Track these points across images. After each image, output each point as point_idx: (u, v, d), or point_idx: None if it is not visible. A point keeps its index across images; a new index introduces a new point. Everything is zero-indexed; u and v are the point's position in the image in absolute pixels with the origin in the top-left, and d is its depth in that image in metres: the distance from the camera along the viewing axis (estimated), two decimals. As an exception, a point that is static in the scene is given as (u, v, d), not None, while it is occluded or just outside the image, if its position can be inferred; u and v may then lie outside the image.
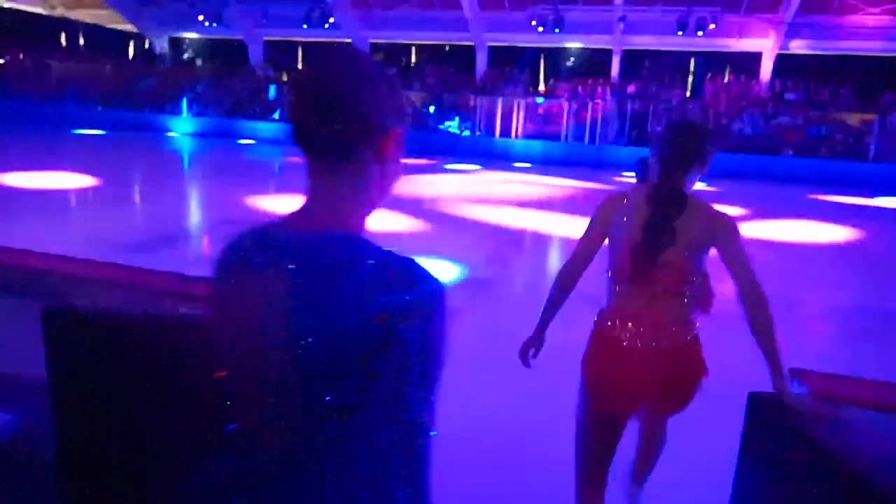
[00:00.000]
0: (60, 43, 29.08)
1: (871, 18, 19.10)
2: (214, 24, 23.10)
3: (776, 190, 15.33)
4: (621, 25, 20.44)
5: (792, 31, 19.71)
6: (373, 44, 26.34)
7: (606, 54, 23.15)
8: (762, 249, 8.15)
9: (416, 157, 18.59)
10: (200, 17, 22.98)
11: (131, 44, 29.92)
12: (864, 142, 18.43)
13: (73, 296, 2.16)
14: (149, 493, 2.02)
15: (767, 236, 9.35)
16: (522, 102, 21.68)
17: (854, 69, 20.85)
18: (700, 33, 18.76)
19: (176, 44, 30.14)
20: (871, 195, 15.17)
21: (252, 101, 25.08)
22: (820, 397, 1.82)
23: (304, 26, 22.60)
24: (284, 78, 27.42)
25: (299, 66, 28.21)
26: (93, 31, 29.01)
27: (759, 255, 2.71)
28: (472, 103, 22.38)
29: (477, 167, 17.91)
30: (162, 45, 29.23)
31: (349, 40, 25.52)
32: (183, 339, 2.03)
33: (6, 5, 24.33)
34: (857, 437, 1.65)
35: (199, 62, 30.21)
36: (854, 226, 10.76)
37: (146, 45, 29.49)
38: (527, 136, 21.12)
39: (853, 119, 19.43)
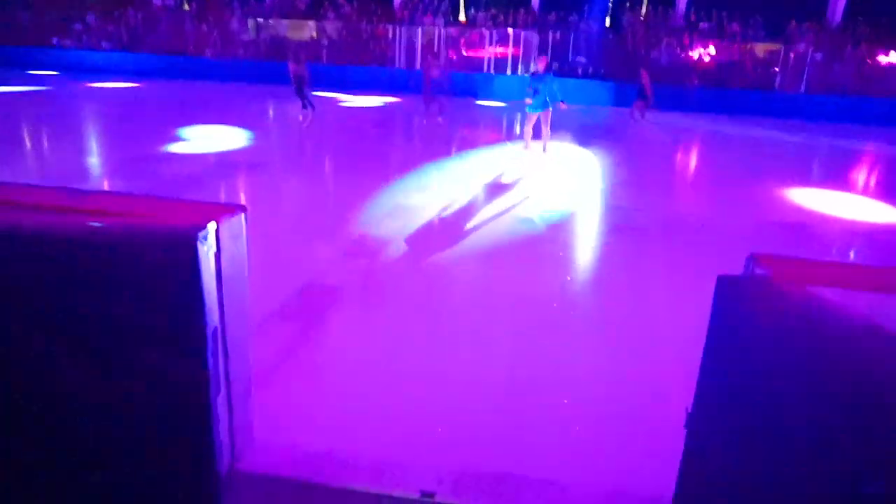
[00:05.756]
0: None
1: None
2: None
3: (685, 119, 15.78)
4: (541, -48, 19.95)
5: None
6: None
7: (527, -16, 22.63)
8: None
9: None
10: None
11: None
12: (770, 71, 19.18)
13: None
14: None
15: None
16: (444, 33, 20.98)
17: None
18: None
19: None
20: (782, 122, 15.90)
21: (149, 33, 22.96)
22: (780, 280, 1.79)
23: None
24: (186, 7, 25.16)
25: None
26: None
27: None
28: (390, 34, 21.44)
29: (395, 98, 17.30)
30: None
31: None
32: (73, 255, 1.74)
33: None
34: (818, 312, 1.64)
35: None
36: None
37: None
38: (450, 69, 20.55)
39: (761, 50, 20.11)
